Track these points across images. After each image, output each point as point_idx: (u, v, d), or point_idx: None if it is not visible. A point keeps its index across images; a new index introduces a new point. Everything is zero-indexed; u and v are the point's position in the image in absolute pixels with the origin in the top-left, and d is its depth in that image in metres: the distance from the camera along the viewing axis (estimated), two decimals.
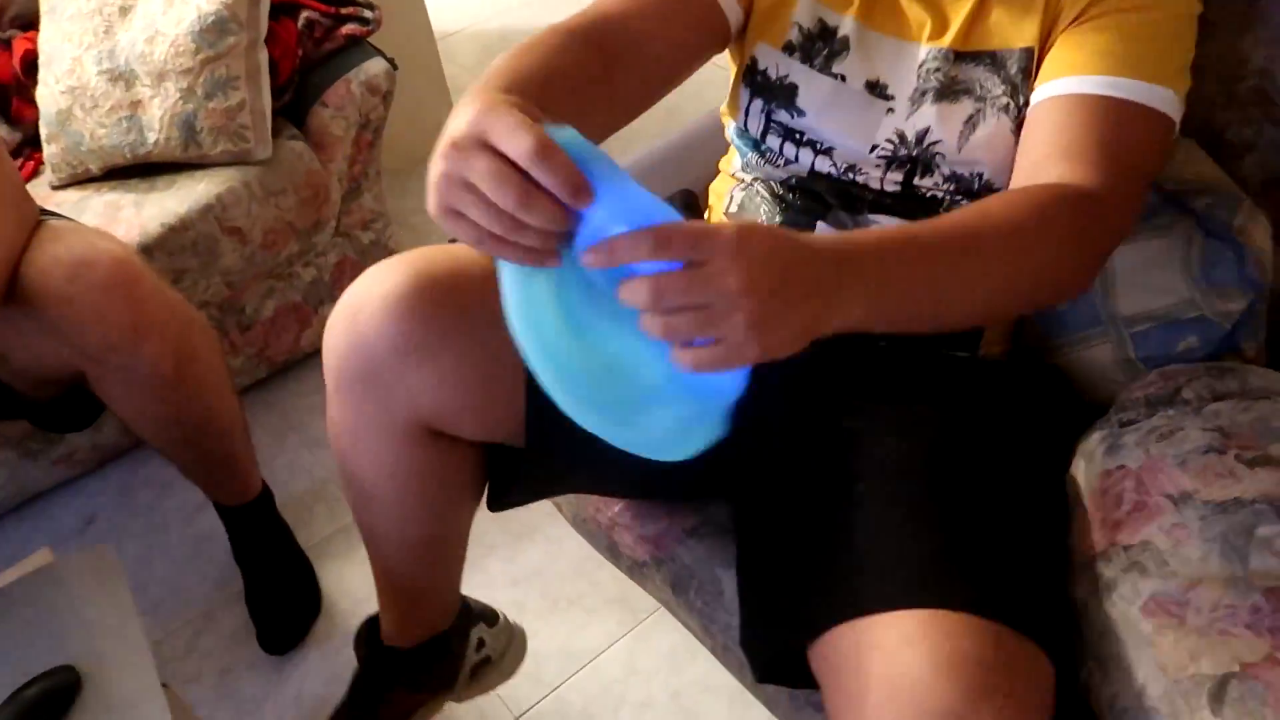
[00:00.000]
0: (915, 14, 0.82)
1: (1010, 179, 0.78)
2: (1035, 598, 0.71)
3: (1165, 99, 0.73)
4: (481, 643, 1.11)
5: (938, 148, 0.82)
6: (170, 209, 1.42)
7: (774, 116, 0.87)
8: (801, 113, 0.86)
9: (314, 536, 1.48)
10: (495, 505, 0.92)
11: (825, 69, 0.85)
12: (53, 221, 1.11)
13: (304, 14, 1.56)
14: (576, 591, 1.37)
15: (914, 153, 0.82)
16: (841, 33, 0.84)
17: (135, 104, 1.43)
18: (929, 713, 0.60)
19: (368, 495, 0.90)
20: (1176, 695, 0.66)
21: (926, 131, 0.82)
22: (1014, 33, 0.79)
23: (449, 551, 0.99)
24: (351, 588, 1.42)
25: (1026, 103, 0.78)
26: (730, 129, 0.95)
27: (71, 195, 1.47)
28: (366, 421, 0.82)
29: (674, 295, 0.53)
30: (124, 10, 1.45)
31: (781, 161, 0.89)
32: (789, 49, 0.86)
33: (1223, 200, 0.84)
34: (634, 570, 1.05)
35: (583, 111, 0.71)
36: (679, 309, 0.53)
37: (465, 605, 1.09)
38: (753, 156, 0.91)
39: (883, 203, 0.85)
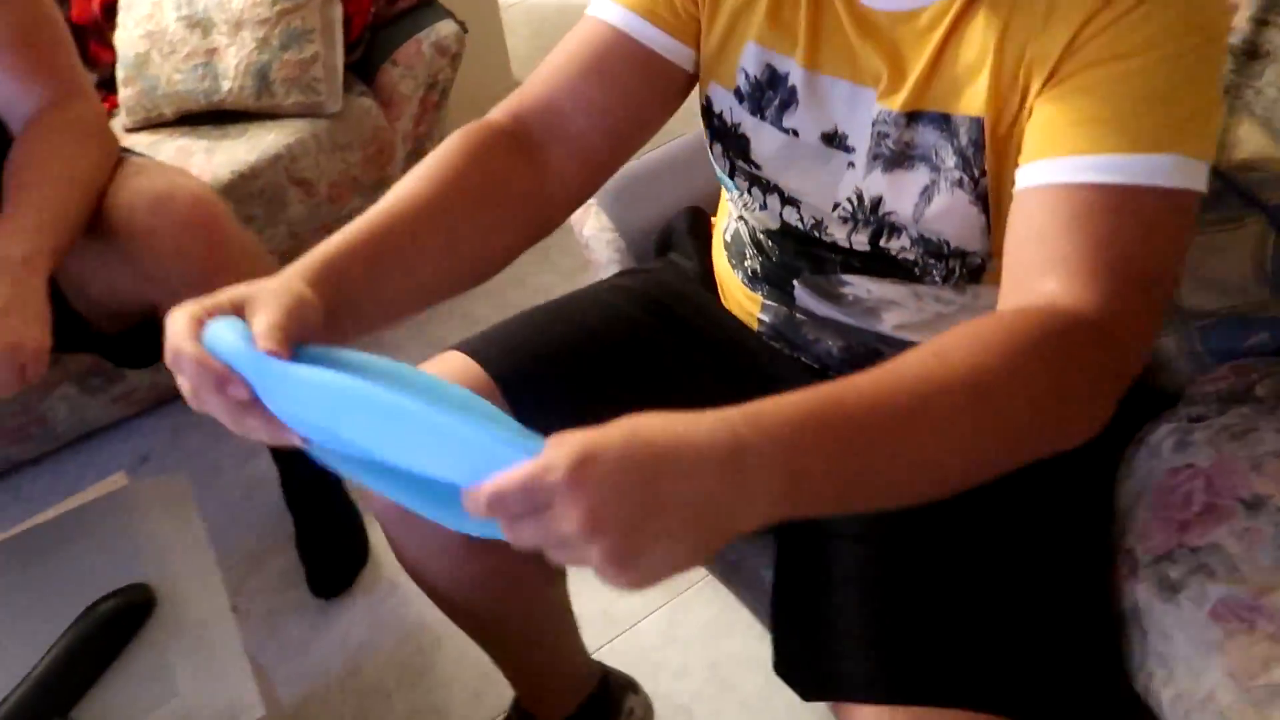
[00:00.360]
0: (869, 59, 0.69)
1: (982, 245, 0.69)
2: (1031, 680, 0.68)
3: (1175, 168, 0.57)
4: (632, 711, 1.16)
5: (893, 217, 0.72)
6: (240, 157, 1.44)
7: (736, 162, 0.79)
8: (758, 165, 0.77)
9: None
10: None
11: (776, 122, 0.75)
12: (135, 158, 1.13)
13: None
14: None
15: (869, 218, 0.73)
16: (790, 81, 0.73)
17: (211, 51, 1.46)
18: None
19: (456, 609, 0.93)
20: (1248, 704, 0.66)
21: (880, 200, 0.72)
22: (966, 96, 0.65)
23: (559, 633, 1.03)
24: None
25: (983, 174, 0.66)
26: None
27: (144, 139, 1.50)
28: (421, 552, 0.84)
29: (521, 533, 0.46)
30: None
31: (755, 206, 0.81)
32: (739, 96, 0.76)
33: None
34: None
35: (502, 223, 0.72)
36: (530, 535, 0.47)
37: (607, 673, 1.15)
38: (734, 193, 0.84)
39: (852, 264, 0.77)
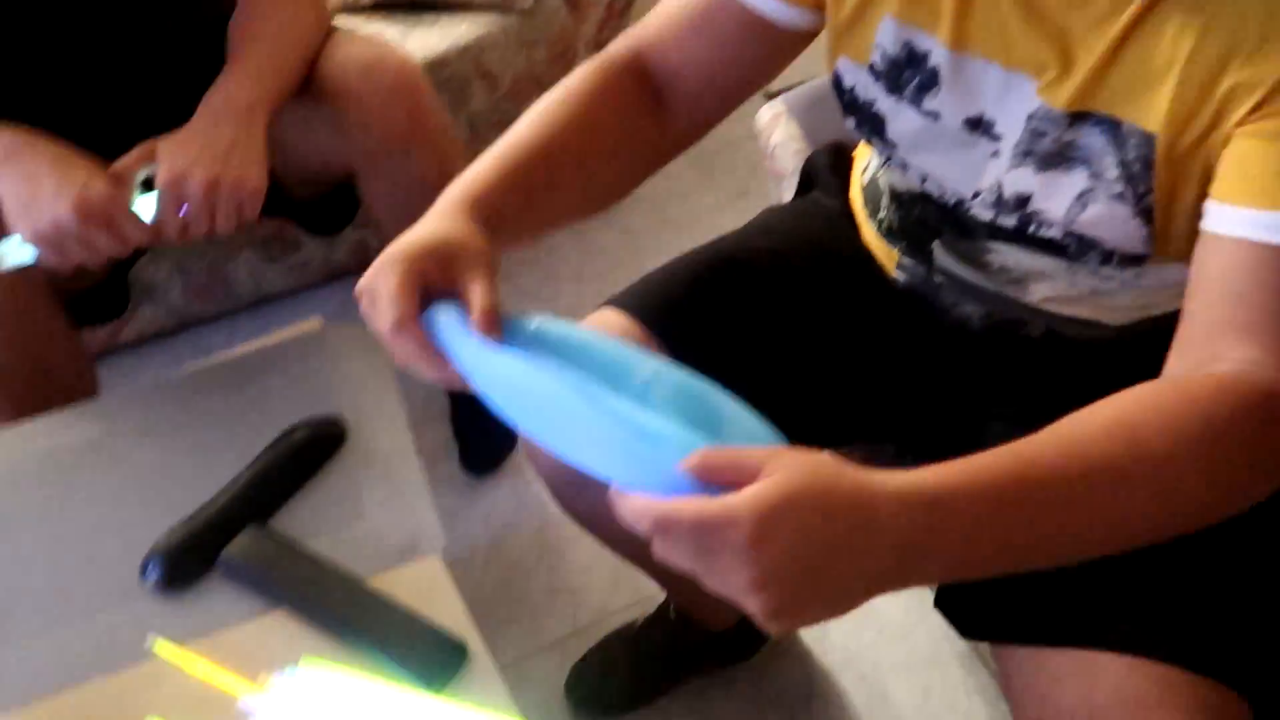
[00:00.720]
0: (1030, 45, 0.62)
1: (1144, 249, 0.64)
2: (1241, 646, 0.63)
3: None
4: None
5: (1041, 215, 0.67)
6: (432, 44, 1.48)
7: (871, 138, 0.75)
8: (894, 145, 0.73)
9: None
10: None
11: (915, 103, 0.69)
12: (344, 29, 1.16)
13: None
14: None
15: (1013, 211, 0.68)
16: (932, 61, 0.67)
17: None
18: None
19: (629, 552, 0.98)
20: None
21: (1027, 198, 0.66)
22: (1139, 105, 0.59)
23: None
24: None
25: (1149, 192, 0.61)
26: None
27: (341, 21, 1.54)
28: (597, 504, 0.85)
29: (676, 559, 0.47)
30: None
31: (894, 169, 0.77)
32: (874, 73, 0.71)
33: None
34: None
35: (629, 163, 0.74)
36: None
37: None
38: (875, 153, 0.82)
39: (999, 234, 0.72)
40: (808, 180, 0.99)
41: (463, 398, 1.46)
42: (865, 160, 0.90)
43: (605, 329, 0.81)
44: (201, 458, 0.86)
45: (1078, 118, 0.62)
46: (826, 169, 0.95)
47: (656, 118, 0.76)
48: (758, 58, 0.76)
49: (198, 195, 0.84)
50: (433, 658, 0.71)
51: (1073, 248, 0.67)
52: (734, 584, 0.45)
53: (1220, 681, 0.60)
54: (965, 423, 0.82)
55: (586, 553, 1.32)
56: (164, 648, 0.73)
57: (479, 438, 1.42)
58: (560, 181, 0.71)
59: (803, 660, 1.21)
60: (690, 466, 0.47)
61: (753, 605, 0.46)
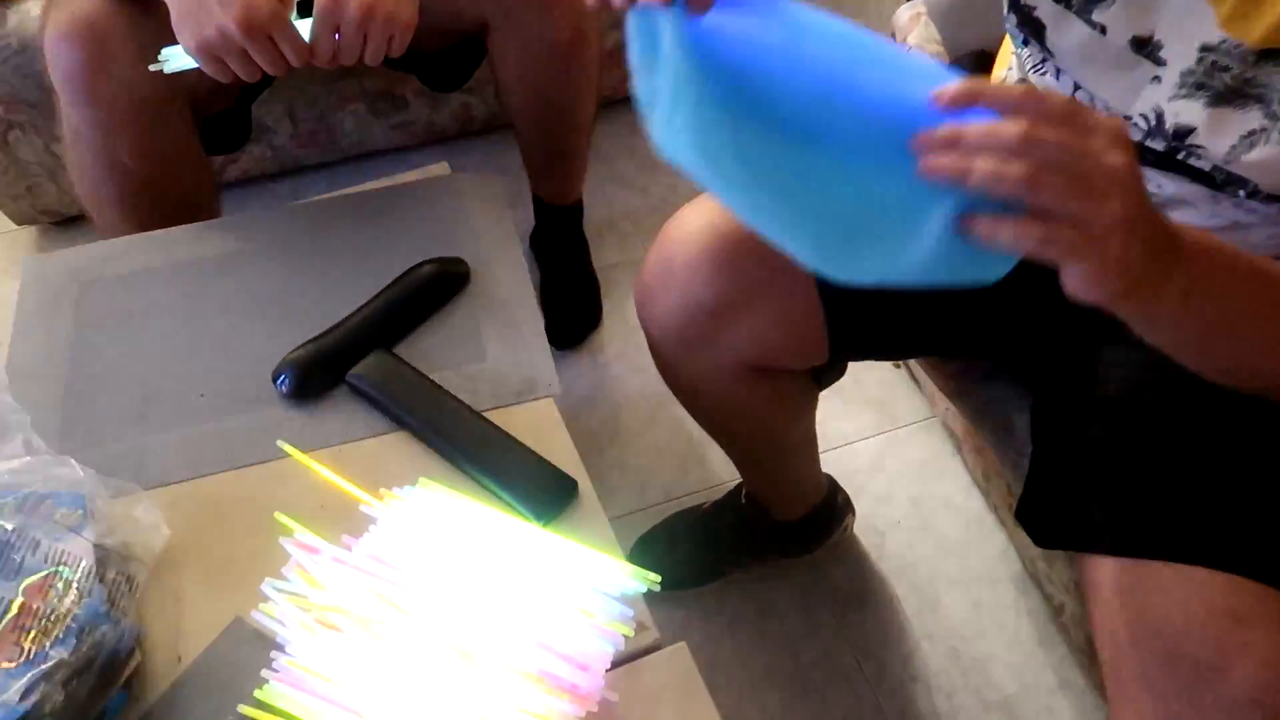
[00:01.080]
0: None
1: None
2: None
3: None
4: (846, 528, 1.24)
5: (1200, 151, 0.66)
6: None
7: (1030, 41, 0.73)
8: (1052, 54, 0.71)
9: (600, 261, 1.56)
10: (821, 388, 1.01)
11: (1084, 11, 0.67)
12: None
13: None
14: (839, 385, 1.40)
15: (1170, 142, 0.67)
16: None
17: None
18: (1190, 660, 0.60)
19: (719, 427, 1.02)
20: None
21: (1191, 131, 0.65)
22: None
23: (804, 449, 1.11)
24: (628, 315, 1.50)
25: None
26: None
27: None
28: (699, 374, 0.89)
29: (1049, 149, 0.45)
30: None
31: (1045, 75, 0.76)
32: None
33: None
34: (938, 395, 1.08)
35: None
36: (1044, 167, 0.45)
37: (834, 486, 1.22)
38: (1024, 57, 0.78)
39: (1145, 157, 0.69)
40: None
41: (550, 274, 1.48)
42: (1007, 65, 0.88)
43: None
44: (331, 282, 0.90)
45: (1266, 55, 0.60)
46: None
47: None
48: None
49: (353, 20, 0.85)
50: (544, 491, 0.75)
51: (1220, 179, 0.66)
52: (1112, 167, 0.45)
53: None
54: (1080, 346, 0.82)
55: (660, 436, 1.36)
56: (292, 451, 0.77)
57: (564, 312, 1.44)
58: None
59: (860, 562, 1.24)
60: (961, 92, 0.45)
61: (1117, 204, 0.46)
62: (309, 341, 0.84)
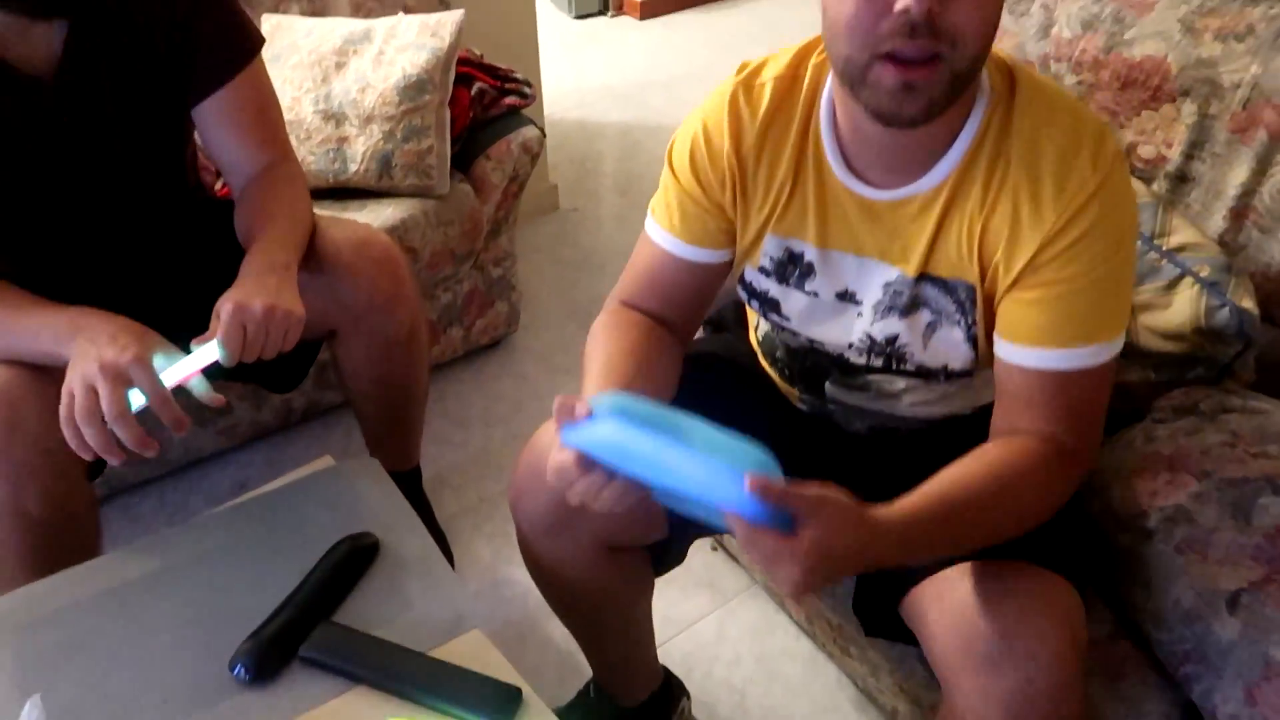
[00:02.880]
0: (871, 237, 0.92)
1: (971, 368, 0.96)
2: (1057, 551, 0.94)
3: (1111, 347, 0.85)
4: (684, 711, 1.40)
5: (905, 349, 0.96)
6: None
7: (770, 315, 1.03)
8: (787, 319, 1.01)
9: (441, 514, 1.73)
10: (659, 573, 1.20)
11: (799, 287, 0.98)
12: (326, 214, 1.38)
13: (476, 85, 1.90)
14: (672, 575, 1.63)
15: (885, 351, 0.97)
16: (807, 258, 0.96)
17: (342, 139, 1.75)
18: (984, 633, 0.85)
19: (574, 610, 1.18)
20: (1204, 604, 0.95)
21: (896, 336, 0.95)
22: (960, 267, 0.89)
23: (645, 629, 1.28)
24: (479, 557, 1.67)
25: (975, 324, 0.91)
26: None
27: None
28: (561, 558, 1.07)
29: (757, 553, 0.72)
30: (339, 65, 1.78)
31: (780, 332, 1.06)
32: (765, 272, 0.99)
33: (1218, 269, 1.14)
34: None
35: (663, 371, 0.98)
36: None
37: (669, 675, 1.39)
38: (763, 319, 1.08)
39: (873, 370, 1.02)
40: (719, 324, 1.30)
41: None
42: (755, 320, 1.19)
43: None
44: (260, 577, 1.02)
45: (921, 279, 0.92)
46: (732, 321, 1.26)
47: (672, 342, 1.03)
48: (705, 288, 1.04)
49: (257, 316, 1.02)
50: (493, 703, 0.91)
51: (924, 373, 0.99)
52: (785, 575, 0.71)
53: (1052, 570, 0.88)
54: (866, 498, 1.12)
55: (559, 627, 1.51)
56: None
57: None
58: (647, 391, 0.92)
59: None
60: (754, 487, 0.70)
61: (790, 586, 0.71)
62: (257, 630, 0.96)
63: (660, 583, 1.22)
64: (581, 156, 2.89)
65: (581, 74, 3.41)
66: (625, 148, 2.94)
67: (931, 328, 0.94)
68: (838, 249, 0.94)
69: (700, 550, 1.67)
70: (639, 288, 1.04)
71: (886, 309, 0.94)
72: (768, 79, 0.95)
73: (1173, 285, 1.17)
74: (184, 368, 1.03)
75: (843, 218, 0.93)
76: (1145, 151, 1.31)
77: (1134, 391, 1.20)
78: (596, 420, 0.78)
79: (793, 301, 0.99)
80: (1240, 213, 1.24)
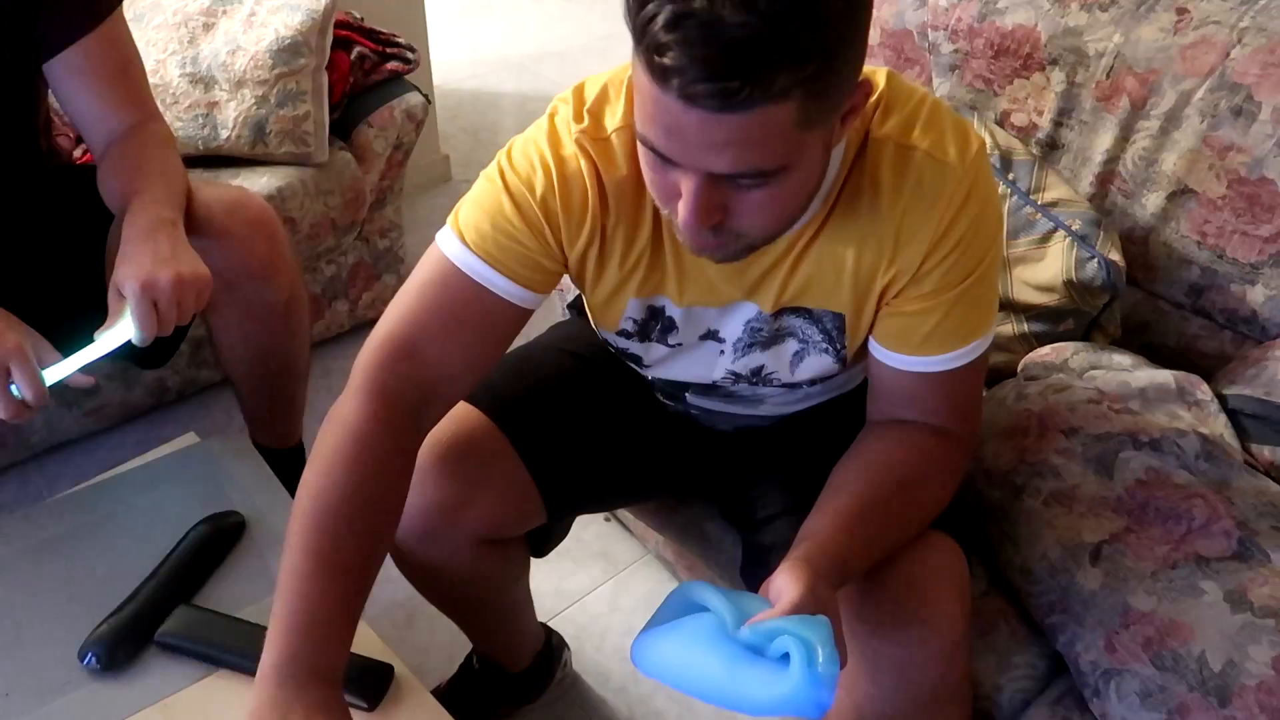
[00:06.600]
0: (730, 288, 0.88)
1: (837, 376, 0.96)
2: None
3: (986, 342, 0.87)
4: (567, 662, 1.41)
5: (772, 375, 0.96)
6: None
7: (630, 365, 1.01)
8: (648, 366, 0.99)
9: None
10: (539, 554, 1.17)
11: (661, 341, 0.94)
12: (200, 175, 1.30)
13: (356, 49, 1.83)
14: (564, 547, 1.61)
15: (752, 380, 0.97)
16: (669, 313, 0.92)
17: (212, 104, 1.66)
18: (875, 597, 0.86)
19: (452, 603, 1.15)
20: (1068, 556, 0.98)
21: (761, 367, 0.95)
22: (824, 298, 0.87)
23: (525, 603, 1.28)
24: None
25: (844, 348, 0.90)
26: None
27: None
28: (437, 561, 1.02)
29: None
30: (207, 26, 1.69)
31: (646, 373, 1.02)
32: (625, 335, 0.95)
33: (1088, 223, 1.18)
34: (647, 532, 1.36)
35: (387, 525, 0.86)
36: None
37: (549, 634, 1.38)
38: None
39: (751, 384, 0.99)
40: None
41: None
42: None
43: (464, 421, 1.00)
44: (115, 560, 0.97)
45: (780, 312, 0.89)
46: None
47: (419, 431, 0.88)
48: (501, 331, 0.89)
49: (168, 291, 0.95)
50: (367, 679, 0.88)
51: (792, 386, 0.99)
52: None
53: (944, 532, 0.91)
54: (736, 483, 1.12)
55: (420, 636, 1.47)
56: None
57: None
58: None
59: (583, 696, 1.42)
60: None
61: None
62: (109, 616, 0.91)
63: (553, 554, 1.20)
64: (475, 128, 2.83)
65: (476, 44, 3.34)
66: (521, 119, 2.89)
67: (799, 356, 0.93)
68: (699, 305, 0.91)
69: (593, 521, 1.66)
70: (426, 323, 0.86)
71: (748, 345, 0.93)
72: (611, 132, 0.84)
73: (1046, 239, 1.20)
74: (89, 354, 0.96)
75: (701, 275, 0.89)
76: (1018, 119, 1.34)
77: (1007, 346, 1.23)
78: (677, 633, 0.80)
79: (654, 353, 0.97)
80: (1106, 178, 1.27)
